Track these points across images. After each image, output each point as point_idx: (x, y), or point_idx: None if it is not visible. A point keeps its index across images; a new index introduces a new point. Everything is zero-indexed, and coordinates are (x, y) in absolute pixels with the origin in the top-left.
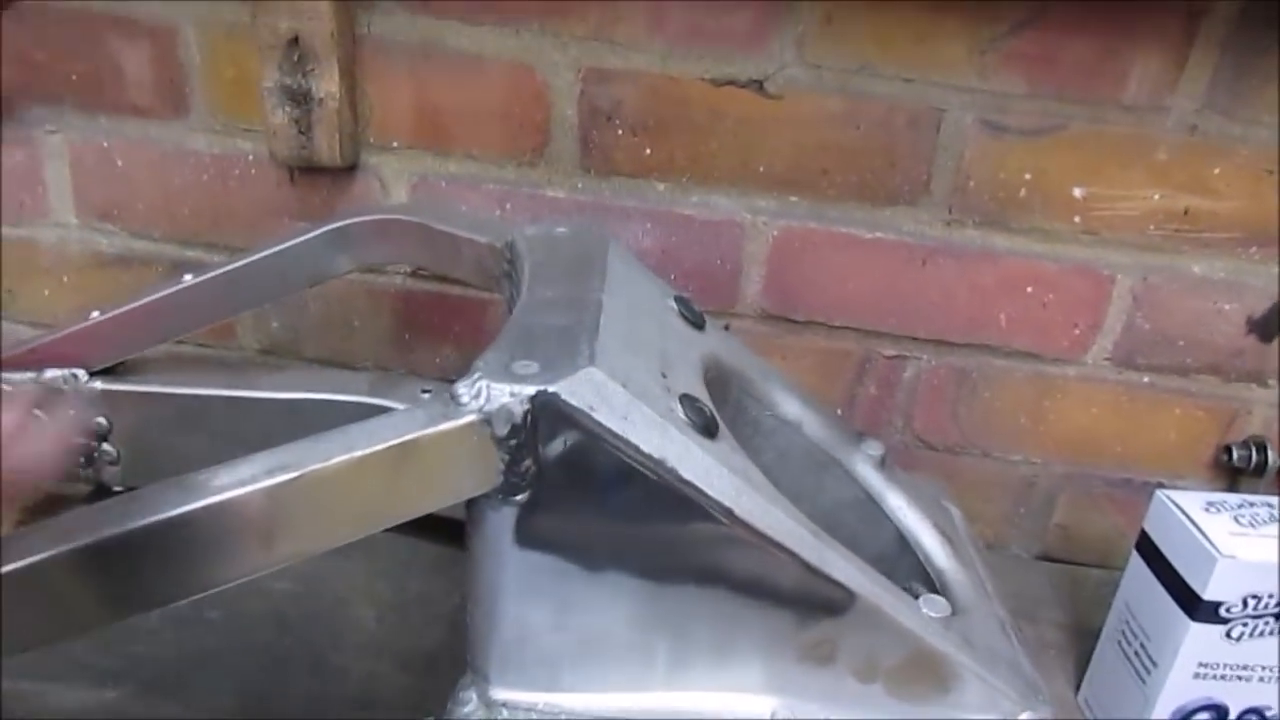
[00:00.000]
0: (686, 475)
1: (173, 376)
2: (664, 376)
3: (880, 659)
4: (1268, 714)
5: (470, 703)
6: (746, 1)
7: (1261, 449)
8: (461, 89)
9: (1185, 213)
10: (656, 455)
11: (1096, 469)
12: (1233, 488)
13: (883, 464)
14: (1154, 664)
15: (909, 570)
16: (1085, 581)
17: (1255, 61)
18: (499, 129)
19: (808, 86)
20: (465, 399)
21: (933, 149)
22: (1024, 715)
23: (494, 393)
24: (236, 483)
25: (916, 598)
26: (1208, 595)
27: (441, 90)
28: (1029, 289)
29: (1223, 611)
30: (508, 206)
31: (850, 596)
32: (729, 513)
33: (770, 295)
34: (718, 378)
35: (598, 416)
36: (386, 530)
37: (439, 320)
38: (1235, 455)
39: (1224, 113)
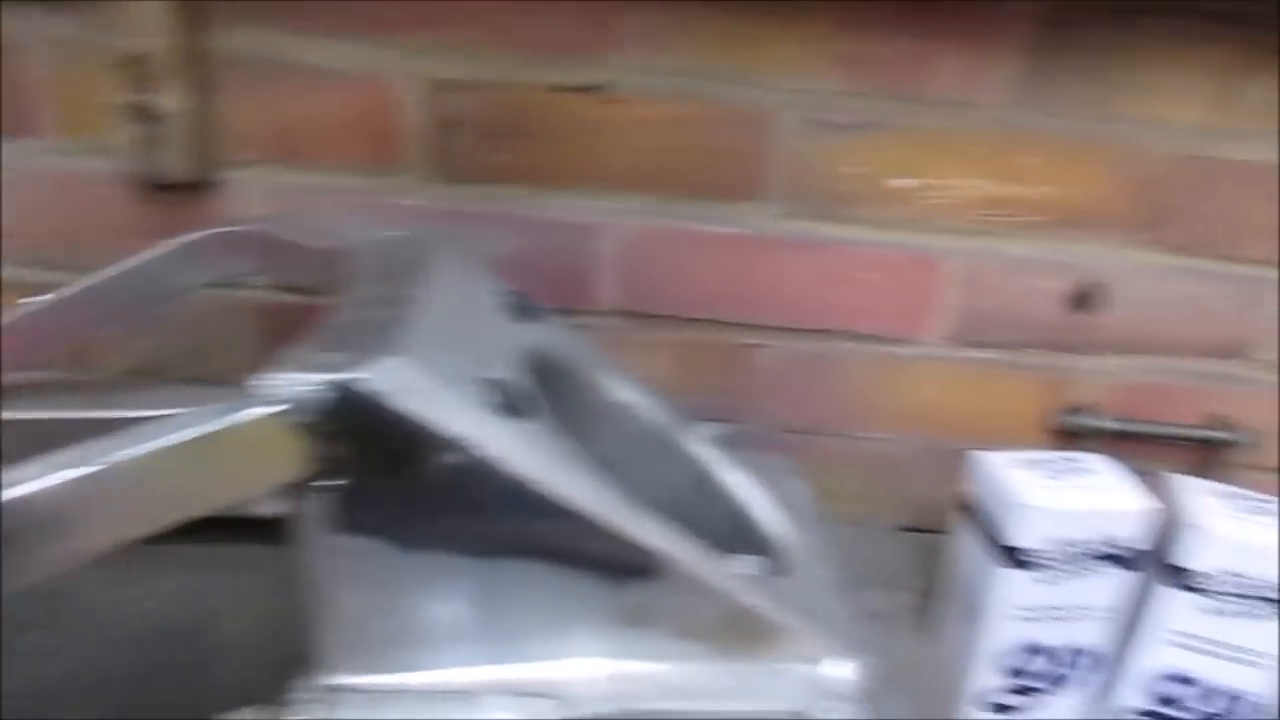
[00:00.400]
0: (492, 453)
1: (30, 402)
2: (476, 364)
3: (698, 618)
4: (1088, 650)
5: (303, 689)
6: (584, 11)
7: (1087, 414)
8: (315, 102)
9: (1001, 199)
10: (461, 435)
11: (945, 441)
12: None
13: (718, 443)
14: (978, 611)
15: (746, 540)
16: (944, 549)
17: (1058, 58)
18: (353, 140)
19: (645, 91)
20: (266, 390)
21: (766, 147)
22: (827, 660)
23: (295, 383)
24: (38, 476)
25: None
26: (1016, 542)
27: (295, 104)
28: (866, 275)
29: (1032, 557)
30: (366, 217)
31: (661, 560)
32: (536, 486)
33: (626, 292)
34: (548, 367)
35: (400, 401)
36: (261, 543)
37: (304, 331)
38: (1065, 421)
39: (1031, 106)
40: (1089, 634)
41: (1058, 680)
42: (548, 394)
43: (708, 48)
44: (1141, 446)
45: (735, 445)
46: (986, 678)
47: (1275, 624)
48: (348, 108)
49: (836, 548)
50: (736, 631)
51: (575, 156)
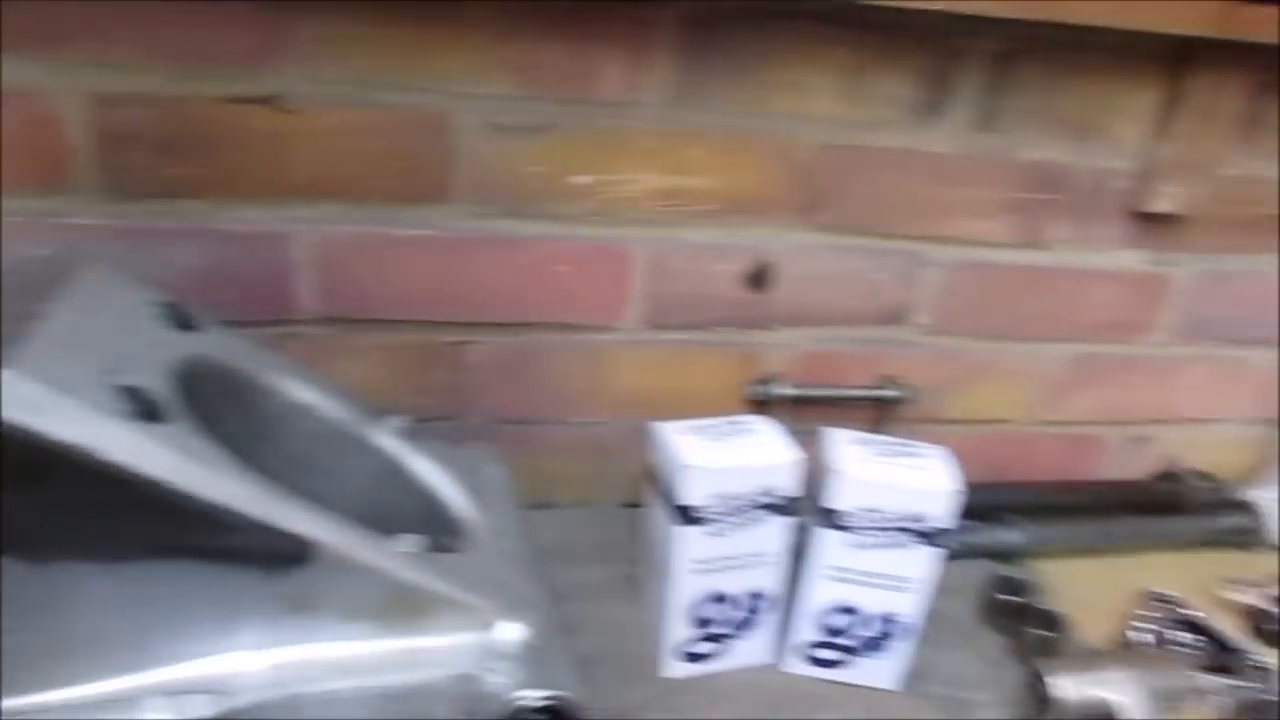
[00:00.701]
0: (116, 457)
1: None
2: (108, 373)
3: (361, 598)
4: (764, 594)
5: None
6: (251, 22)
7: (773, 384)
8: None
9: (673, 190)
10: (80, 442)
11: (652, 420)
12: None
13: (405, 434)
14: (665, 569)
15: (437, 525)
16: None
17: (708, 58)
18: (18, 160)
19: (321, 100)
20: None
21: (448, 150)
22: (496, 626)
23: None
24: None
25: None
26: (685, 501)
27: None
28: (560, 268)
29: (701, 513)
30: (36, 238)
31: (310, 545)
32: (167, 486)
33: (326, 299)
34: (215, 375)
35: (10, 414)
36: None
37: None
38: (754, 392)
39: (689, 104)
40: (763, 579)
41: (742, 625)
42: (216, 401)
43: (381, 56)
44: (823, 409)
45: (435, 438)
46: (679, 630)
47: (914, 551)
48: (10, 126)
49: (524, 525)
50: (400, 607)
51: (257, 167)
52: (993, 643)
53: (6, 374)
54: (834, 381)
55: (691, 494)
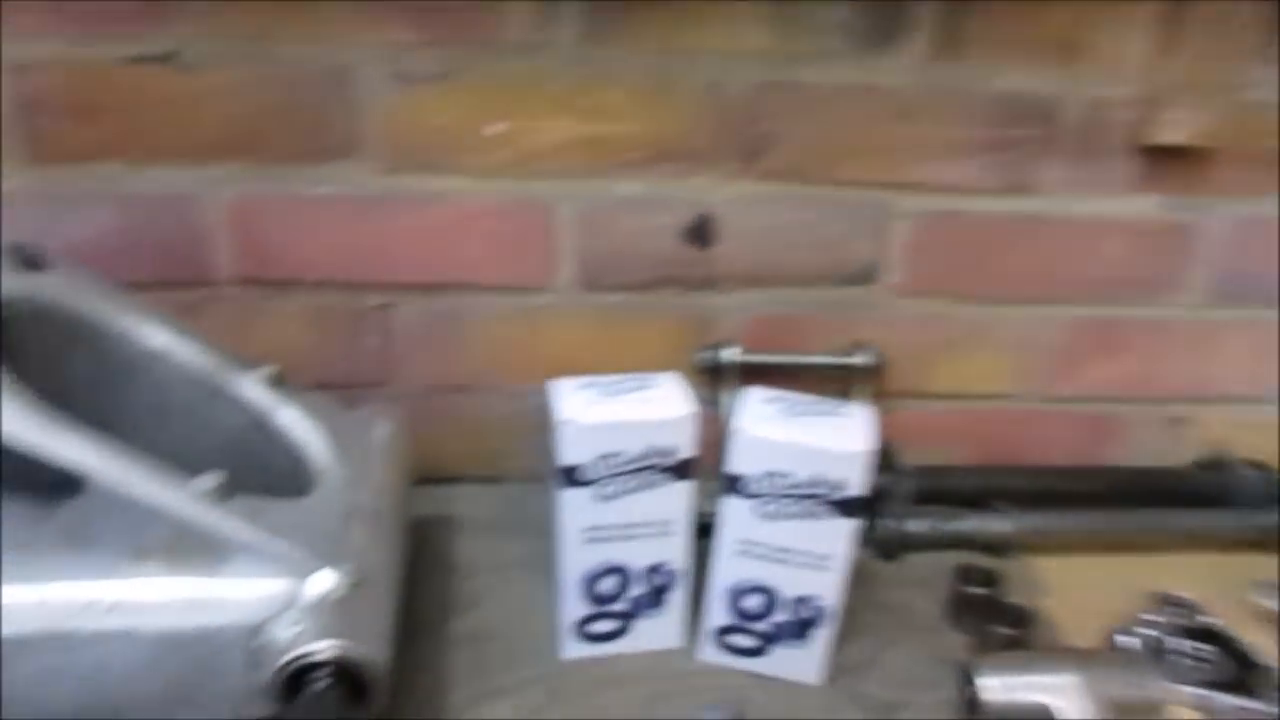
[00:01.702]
0: None
1: None
2: None
3: (144, 536)
4: (665, 568)
5: None
6: None
7: (717, 350)
8: None
9: (594, 138)
10: None
11: None
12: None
13: (275, 384)
14: (557, 538)
15: (301, 478)
16: None
17: None
18: None
19: (217, 59)
20: None
21: (351, 104)
22: (317, 572)
23: None
24: None
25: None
26: (568, 460)
27: None
28: (480, 225)
29: (586, 475)
30: None
31: (81, 476)
32: None
33: (243, 261)
34: (51, 315)
35: None
36: None
37: None
38: (702, 359)
39: (603, 43)
40: (664, 551)
41: (644, 603)
42: (58, 341)
43: (274, 10)
44: (785, 380)
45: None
46: (573, 606)
47: (829, 523)
48: None
49: (395, 487)
50: (189, 547)
51: (162, 128)
52: (954, 641)
53: None
54: (794, 347)
55: (573, 452)
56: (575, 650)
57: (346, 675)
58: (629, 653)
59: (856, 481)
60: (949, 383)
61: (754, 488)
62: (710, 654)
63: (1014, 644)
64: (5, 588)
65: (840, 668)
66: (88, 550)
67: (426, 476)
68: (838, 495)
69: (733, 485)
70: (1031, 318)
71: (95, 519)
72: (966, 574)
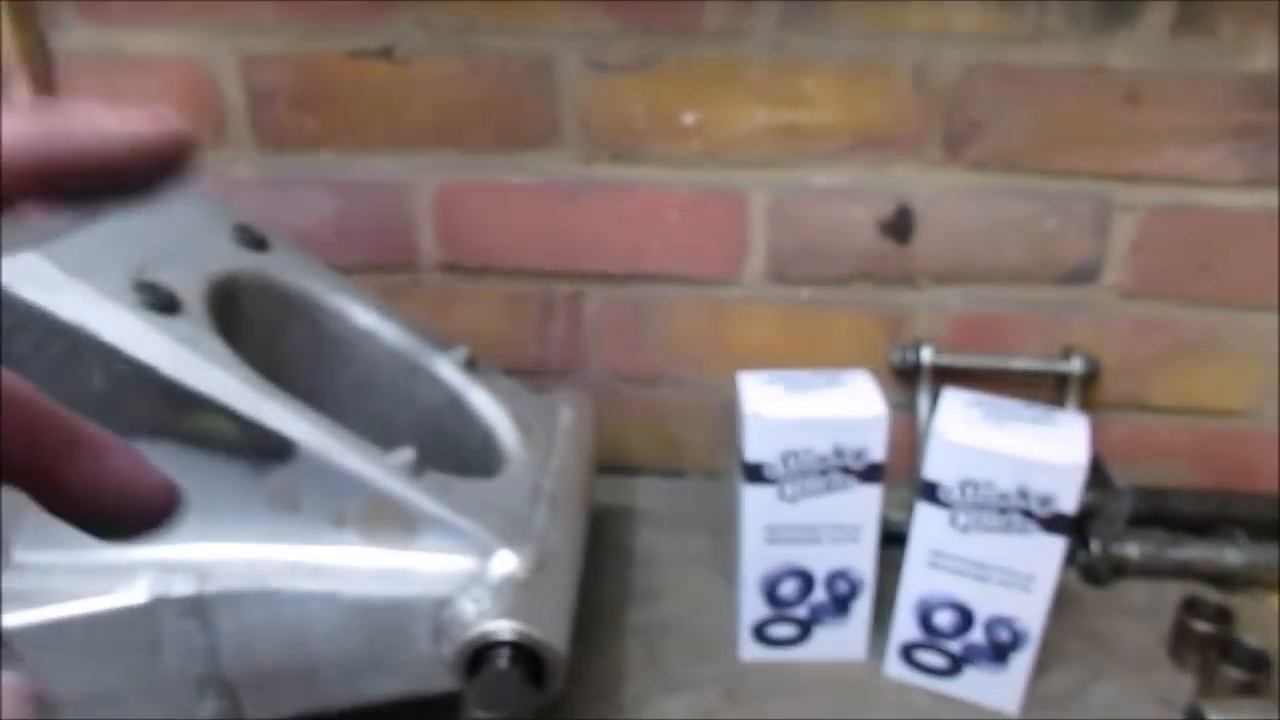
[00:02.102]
0: (107, 339)
1: None
2: (137, 270)
3: (344, 504)
4: (858, 576)
5: None
6: None
7: (916, 349)
8: (143, 89)
9: (791, 126)
10: (76, 321)
11: None
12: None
13: (468, 366)
14: (738, 537)
15: (491, 458)
16: None
17: None
18: (187, 121)
19: (429, 50)
20: None
21: (552, 93)
22: (501, 552)
23: None
24: None
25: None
26: (750, 456)
27: (127, 92)
28: (671, 215)
29: (769, 472)
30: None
31: (292, 444)
32: (153, 371)
33: (444, 247)
34: (272, 291)
35: (17, 290)
36: None
37: None
38: (899, 358)
39: (802, 28)
40: (850, 557)
41: (827, 610)
42: (278, 316)
43: (481, 4)
44: (988, 384)
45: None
46: (752, 607)
47: (1033, 540)
48: (173, 90)
49: (580, 471)
50: (385, 519)
51: (377, 117)
52: (1170, 679)
53: (30, 255)
54: (1000, 349)
55: (758, 448)
56: (753, 653)
57: (526, 656)
58: (809, 661)
59: (1068, 497)
60: (1172, 396)
61: (951, 496)
62: (896, 669)
63: (1247, 689)
64: (221, 545)
65: (1041, 698)
66: (294, 515)
67: (608, 466)
68: (1046, 511)
69: (928, 492)
70: (1272, 326)
71: (301, 485)
72: (1194, 607)
